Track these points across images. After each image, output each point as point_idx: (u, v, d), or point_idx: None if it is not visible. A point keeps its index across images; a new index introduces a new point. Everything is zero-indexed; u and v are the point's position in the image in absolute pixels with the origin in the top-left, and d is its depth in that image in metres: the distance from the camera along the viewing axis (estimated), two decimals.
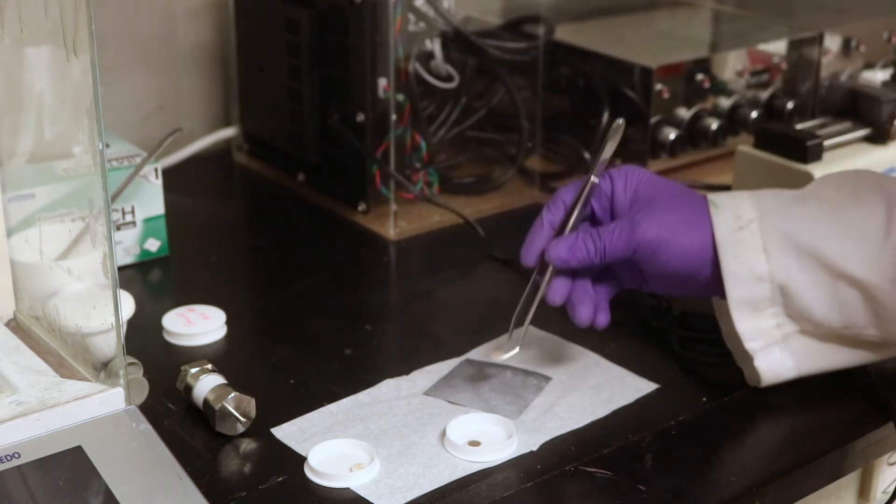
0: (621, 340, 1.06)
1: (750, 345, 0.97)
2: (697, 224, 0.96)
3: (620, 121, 1.02)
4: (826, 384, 0.99)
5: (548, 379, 1.01)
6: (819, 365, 0.98)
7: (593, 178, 0.99)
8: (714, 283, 0.97)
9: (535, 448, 0.92)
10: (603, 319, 0.99)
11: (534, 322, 1.04)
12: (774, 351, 0.97)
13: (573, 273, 0.99)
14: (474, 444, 0.91)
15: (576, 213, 0.99)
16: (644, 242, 0.95)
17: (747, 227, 0.95)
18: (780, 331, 0.97)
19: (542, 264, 0.99)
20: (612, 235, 0.96)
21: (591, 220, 1.01)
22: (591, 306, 0.99)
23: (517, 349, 0.97)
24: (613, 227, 0.97)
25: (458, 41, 1.31)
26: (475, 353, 1.04)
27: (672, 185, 1.02)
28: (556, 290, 0.98)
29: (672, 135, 1.39)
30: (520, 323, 0.98)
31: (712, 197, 0.98)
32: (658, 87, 1.38)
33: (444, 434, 0.92)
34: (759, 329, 0.97)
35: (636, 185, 1.00)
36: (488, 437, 0.92)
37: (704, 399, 0.99)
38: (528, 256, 1.00)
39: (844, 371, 1.00)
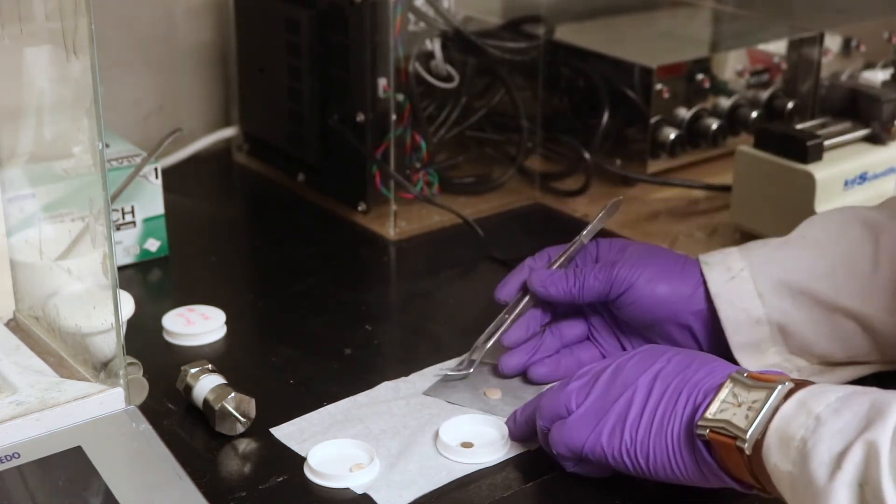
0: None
1: None
2: (679, 275, 0.99)
3: (620, 198, 1.07)
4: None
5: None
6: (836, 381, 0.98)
7: (582, 239, 1.03)
8: (696, 342, 0.99)
9: (533, 447, 0.92)
10: (537, 373, 1.00)
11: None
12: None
13: (542, 322, 1.02)
14: (467, 445, 0.91)
15: (560, 261, 1.02)
16: (620, 280, 0.97)
17: (739, 276, 0.97)
18: (791, 364, 0.98)
19: (513, 304, 1.02)
20: (592, 272, 0.99)
21: None
22: (526, 357, 1.00)
23: (469, 371, 1.00)
24: (594, 266, 0.99)
25: (458, 41, 1.31)
26: (475, 355, 1.04)
27: (660, 248, 1.05)
28: (511, 335, 1.01)
29: (672, 135, 1.39)
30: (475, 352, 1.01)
31: (703, 257, 1.00)
32: (658, 86, 1.38)
33: (436, 435, 0.91)
34: (769, 365, 0.97)
35: (623, 247, 1.02)
36: (481, 439, 0.92)
37: None
38: (502, 292, 1.02)
39: None
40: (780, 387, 0.78)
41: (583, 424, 0.85)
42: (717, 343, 0.98)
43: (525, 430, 0.92)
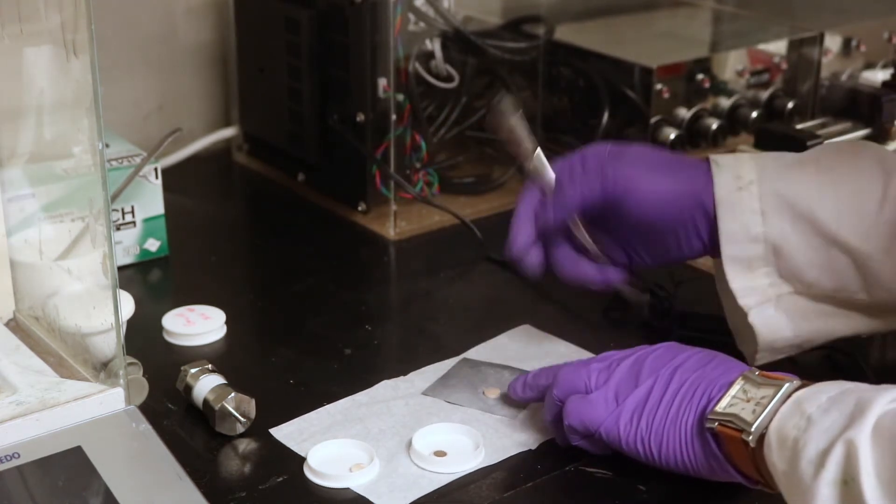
0: (621, 340, 1.06)
1: (743, 301, 0.97)
2: (681, 171, 0.98)
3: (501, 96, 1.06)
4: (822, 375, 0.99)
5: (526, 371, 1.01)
6: (815, 327, 0.99)
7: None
8: (702, 241, 0.98)
9: (533, 447, 0.92)
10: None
11: (533, 322, 1.04)
12: (768, 308, 0.97)
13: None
14: (440, 454, 0.90)
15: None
16: (616, 177, 0.96)
17: (747, 189, 0.96)
18: (774, 290, 0.98)
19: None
20: (585, 179, 0.98)
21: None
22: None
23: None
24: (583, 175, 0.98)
25: (458, 41, 1.31)
26: (473, 353, 1.04)
27: (657, 149, 1.04)
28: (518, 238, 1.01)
29: (672, 135, 1.39)
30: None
31: (714, 157, 0.99)
32: (658, 86, 1.38)
33: (409, 444, 0.91)
34: (752, 287, 0.97)
35: (613, 151, 1.00)
36: (454, 448, 0.91)
37: None
38: (517, 243, 1.01)
39: (839, 369, 1.01)
40: (787, 385, 0.80)
41: (602, 405, 0.87)
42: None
43: (529, 395, 0.94)
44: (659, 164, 0.99)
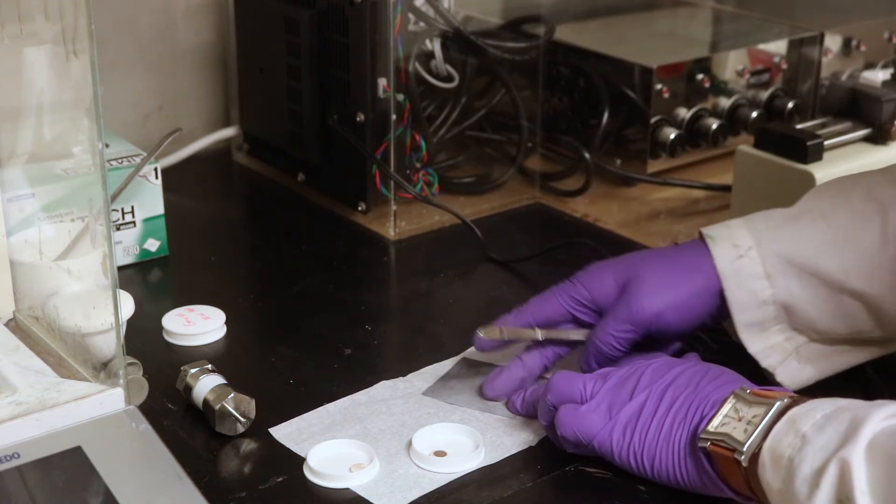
0: None
1: (766, 362, 0.98)
2: (691, 269, 0.97)
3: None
4: (826, 381, 0.99)
5: (545, 379, 1.00)
6: (836, 365, 0.99)
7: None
8: (721, 309, 0.98)
9: (534, 444, 0.92)
10: (514, 405, 0.97)
11: None
12: (792, 363, 0.98)
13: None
14: (440, 454, 0.90)
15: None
16: (650, 316, 0.96)
17: (747, 255, 0.97)
18: (791, 343, 0.98)
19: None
20: (612, 332, 0.96)
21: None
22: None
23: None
24: (608, 323, 0.97)
25: (458, 41, 1.31)
26: (472, 353, 1.04)
27: (648, 252, 1.03)
28: (498, 386, 0.98)
29: (672, 135, 1.39)
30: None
31: (706, 231, 0.99)
32: (658, 86, 1.38)
33: (409, 444, 0.91)
34: (770, 346, 0.98)
35: (611, 275, 0.99)
36: (454, 448, 0.91)
37: None
38: (492, 390, 0.98)
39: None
40: (777, 403, 0.80)
41: (595, 417, 0.87)
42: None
43: (529, 412, 0.94)
44: (672, 278, 0.97)
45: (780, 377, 0.97)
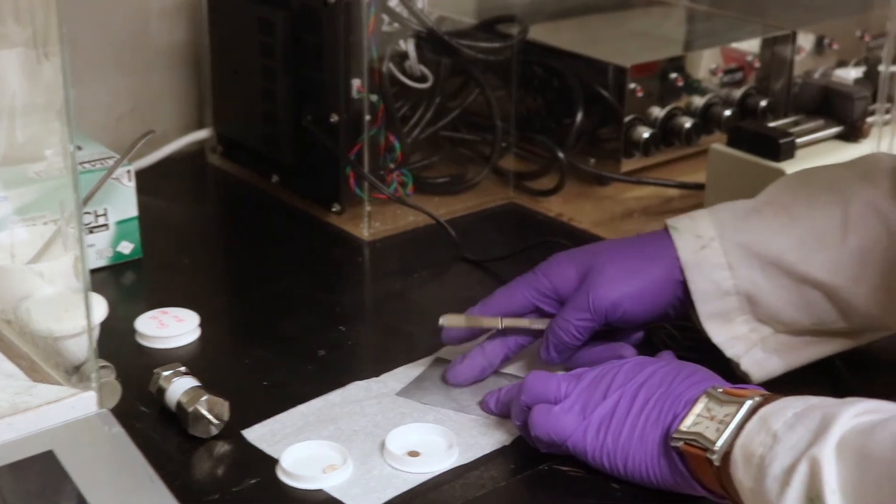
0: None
1: (731, 352, 0.98)
2: (651, 259, 0.98)
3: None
4: (793, 373, 1.00)
5: (519, 378, 1.01)
6: (802, 356, 1.00)
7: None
8: (684, 301, 0.98)
9: (507, 443, 0.92)
10: (488, 405, 0.97)
11: None
12: (757, 353, 0.98)
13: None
14: (414, 454, 0.90)
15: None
16: (608, 305, 0.96)
17: (709, 245, 0.97)
18: (756, 334, 0.99)
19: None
20: (570, 317, 0.97)
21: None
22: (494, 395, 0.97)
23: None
24: (568, 311, 0.97)
25: (432, 41, 1.31)
26: (446, 353, 1.04)
27: (610, 242, 1.04)
28: (459, 373, 0.99)
29: (646, 134, 1.40)
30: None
31: (670, 222, 1.00)
32: (632, 85, 1.38)
33: (383, 445, 0.91)
34: (735, 337, 0.98)
35: (573, 265, 1.00)
36: (428, 448, 0.91)
37: None
38: (457, 376, 1.00)
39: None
40: (749, 402, 0.80)
41: (569, 418, 0.87)
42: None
43: (503, 412, 0.95)
44: (631, 268, 0.98)
45: (744, 366, 0.97)
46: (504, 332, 1.00)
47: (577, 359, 0.98)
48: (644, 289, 0.97)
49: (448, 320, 0.99)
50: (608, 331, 0.99)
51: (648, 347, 1.02)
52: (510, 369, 1.02)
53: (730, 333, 0.98)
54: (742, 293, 0.97)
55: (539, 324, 0.99)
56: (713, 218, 0.99)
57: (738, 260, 0.97)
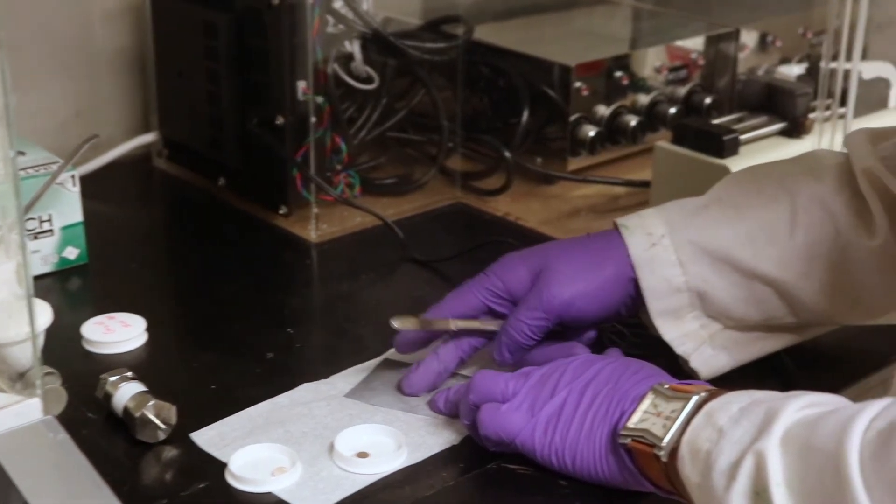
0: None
1: (681, 349, 0.99)
2: (603, 257, 0.98)
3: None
4: (741, 368, 1.01)
5: (464, 377, 1.01)
6: (751, 352, 1.01)
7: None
8: (636, 298, 0.99)
9: (456, 443, 0.92)
10: (437, 404, 0.97)
11: None
12: (706, 350, 0.99)
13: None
14: (363, 455, 0.90)
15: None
16: (561, 304, 0.96)
17: (660, 243, 0.98)
18: (706, 331, 0.99)
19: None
20: (523, 317, 0.97)
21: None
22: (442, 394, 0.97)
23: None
24: (521, 311, 0.97)
25: (377, 42, 1.31)
26: (393, 353, 1.04)
27: (561, 241, 1.03)
28: (415, 381, 0.99)
29: (592, 132, 1.40)
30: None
31: (620, 220, 1.00)
32: (577, 84, 1.39)
33: (331, 446, 0.91)
34: (685, 334, 0.99)
35: (524, 265, 0.99)
36: (376, 448, 0.91)
37: None
38: (411, 386, 0.99)
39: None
40: (695, 397, 0.81)
41: (517, 416, 0.88)
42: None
43: (452, 411, 0.95)
44: (583, 266, 0.98)
45: (693, 364, 0.98)
46: (457, 335, 0.99)
47: (530, 359, 0.98)
48: (596, 287, 0.97)
49: (400, 322, 0.99)
50: (561, 331, 1.00)
51: (597, 345, 1.02)
52: (464, 371, 1.02)
53: (680, 330, 0.99)
54: (693, 290, 0.98)
55: (492, 325, 0.99)
56: (662, 216, 1.00)
57: (688, 257, 0.97)
